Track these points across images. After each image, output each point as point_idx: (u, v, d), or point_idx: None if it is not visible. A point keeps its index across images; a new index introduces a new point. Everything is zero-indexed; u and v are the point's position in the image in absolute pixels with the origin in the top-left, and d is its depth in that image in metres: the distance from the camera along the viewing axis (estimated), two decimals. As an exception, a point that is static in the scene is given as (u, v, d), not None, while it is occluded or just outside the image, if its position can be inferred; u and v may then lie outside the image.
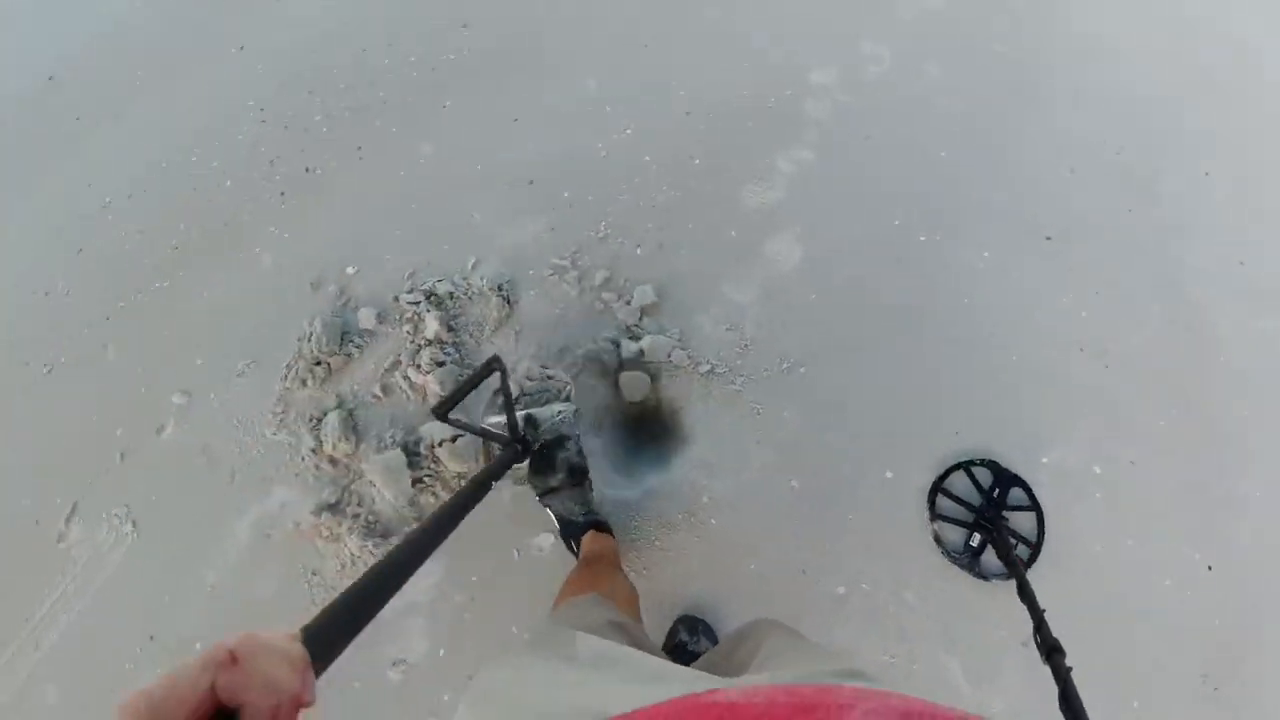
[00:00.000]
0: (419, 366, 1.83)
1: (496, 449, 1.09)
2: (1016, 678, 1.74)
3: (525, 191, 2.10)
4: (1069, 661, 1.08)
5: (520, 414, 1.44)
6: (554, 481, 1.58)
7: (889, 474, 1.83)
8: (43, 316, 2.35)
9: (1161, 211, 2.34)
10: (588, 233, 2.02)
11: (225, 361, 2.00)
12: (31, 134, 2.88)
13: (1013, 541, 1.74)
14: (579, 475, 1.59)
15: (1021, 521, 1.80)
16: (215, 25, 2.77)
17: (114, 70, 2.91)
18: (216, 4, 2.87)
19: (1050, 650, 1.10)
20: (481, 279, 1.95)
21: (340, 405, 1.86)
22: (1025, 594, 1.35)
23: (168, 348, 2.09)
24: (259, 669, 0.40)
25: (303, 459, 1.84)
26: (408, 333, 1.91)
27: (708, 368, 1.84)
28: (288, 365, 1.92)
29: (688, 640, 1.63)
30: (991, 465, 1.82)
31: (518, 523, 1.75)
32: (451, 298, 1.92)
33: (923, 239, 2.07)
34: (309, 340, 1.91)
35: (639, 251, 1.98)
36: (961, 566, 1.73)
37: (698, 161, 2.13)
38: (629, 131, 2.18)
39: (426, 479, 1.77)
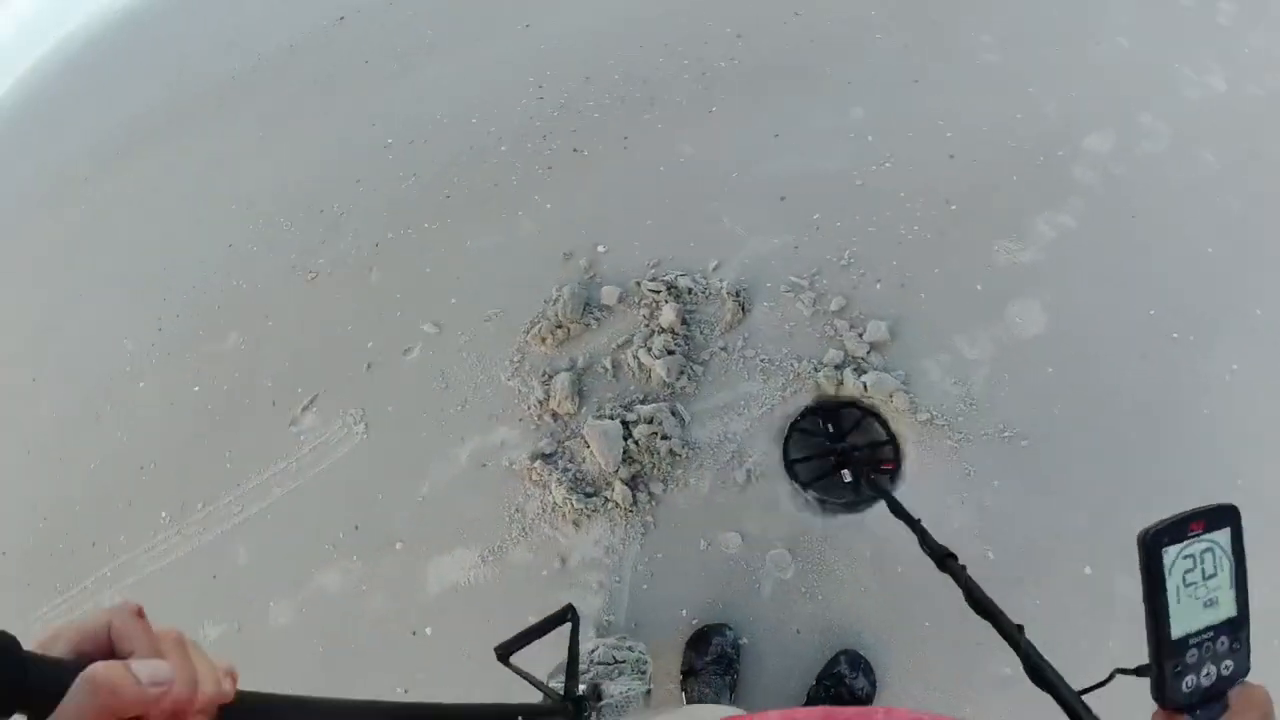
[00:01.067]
0: (649, 350, 1.96)
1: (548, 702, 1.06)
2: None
3: (775, 206, 2.17)
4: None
5: (587, 680, 1.42)
6: (699, 663, 1.63)
7: (1088, 570, 1.76)
8: (315, 231, 2.70)
9: None
10: (830, 257, 2.06)
11: (477, 305, 2.23)
12: (321, 68, 3.29)
13: (868, 453, 1.83)
14: (726, 665, 1.63)
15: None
16: (504, 1, 3.05)
17: (404, 24, 3.27)
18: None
19: (942, 557, 1.09)
20: (720, 281, 2.05)
21: (572, 368, 2.03)
22: (895, 509, 1.33)
23: (427, 282, 2.36)
24: (183, 653, 0.41)
25: (529, 408, 2.03)
26: (643, 316, 2.04)
27: (927, 416, 1.84)
28: (532, 321, 2.12)
29: (847, 674, 1.65)
30: (809, 410, 1.88)
31: (712, 515, 1.84)
32: (689, 293, 2.04)
33: (1175, 336, 1.94)
34: (555, 304, 2.09)
35: (878, 286, 2.00)
36: (858, 507, 1.78)
37: (954, 207, 2.11)
38: (888, 165, 2.20)
39: (634, 454, 1.90)
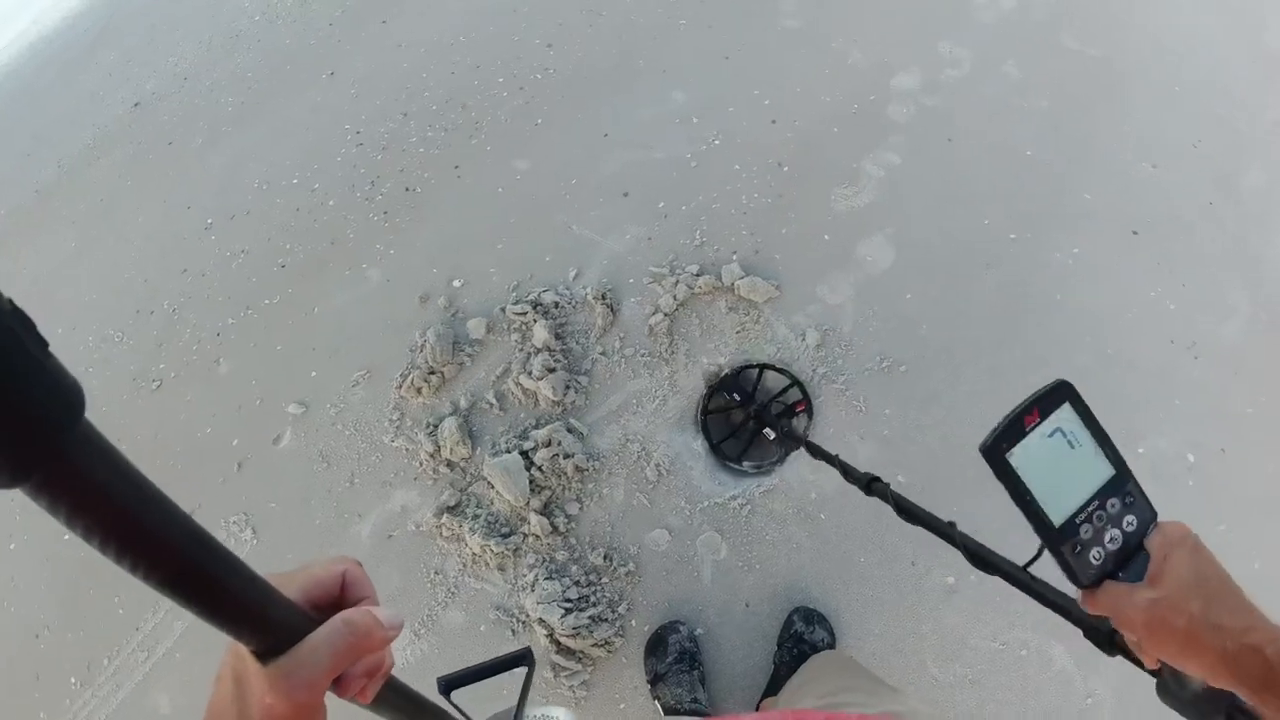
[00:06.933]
0: (530, 373, 1.91)
1: None
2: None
3: (621, 203, 2.17)
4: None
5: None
6: (662, 667, 1.62)
7: (991, 466, 1.87)
8: (149, 335, 2.47)
9: (1241, 203, 2.35)
10: (684, 241, 2.08)
11: (340, 372, 2.09)
12: (125, 158, 3.04)
13: (782, 405, 1.86)
14: (689, 661, 1.63)
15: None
16: (301, 53, 2.90)
17: (201, 97, 3.05)
18: (298, 32, 3.01)
19: (868, 482, 1.12)
20: (584, 288, 2.02)
21: (455, 411, 1.94)
22: (815, 451, 1.38)
23: (281, 361, 2.20)
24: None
25: (421, 464, 1.92)
26: (516, 341, 1.98)
27: (810, 369, 1.89)
28: (402, 375, 2.01)
29: (804, 630, 1.67)
30: (712, 390, 1.90)
31: (634, 519, 1.81)
32: (557, 307, 2.00)
33: (1013, 237, 2.10)
34: (422, 350, 1.99)
35: (735, 257, 2.04)
36: (782, 461, 1.84)
37: (786, 168, 2.19)
38: (717, 141, 2.25)
39: (541, 481, 1.83)
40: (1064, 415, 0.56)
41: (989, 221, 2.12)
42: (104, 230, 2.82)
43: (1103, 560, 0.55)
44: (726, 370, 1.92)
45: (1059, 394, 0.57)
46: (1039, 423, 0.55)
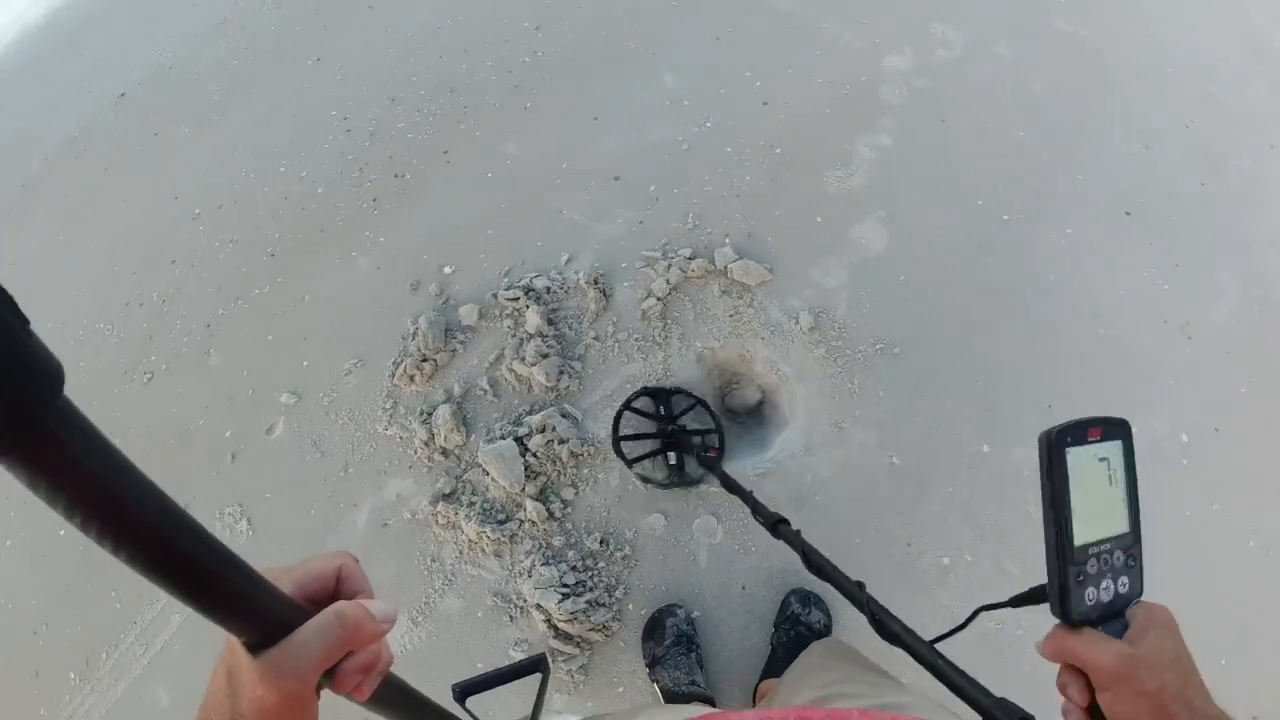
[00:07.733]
0: (523, 359, 1.90)
1: None
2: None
3: (612, 187, 2.16)
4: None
5: None
6: (660, 650, 1.62)
7: (986, 448, 1.87)
8: (139, 327, 2.44)
9: (1231, 184, 2.36)
10: (676, 224, 2.07)
11: (332, 361, 2.07)
12: (110, 149, 3.00)
13: (699, 440, 1.81)
14: (687, 644, 1.62)
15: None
16: (286, 39, 2.86)
17: (186, 86, 3.02)
18: (283, 18, 2.97)
19: (774, 524, 1.09)
20: (576, 273, 2.01)
21: (449, 398, 1.93)
22: (728, 484, 1.36)
23: (272, 351, 2.18)
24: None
25: (415, 451, 1.91)
26: (509, 327, 1.97)
27: (804, 351, 1.89)
28: (394, 362, 2.00)
29: (800, 612, 1.68)
30: (644, 391, 1.86)
31: (628, 507, 1.81)
32: (549, 292, 1.99)
33: (1005, 218, 2.10)
34: (414, 338, 1.98)
35: (728, 240, 2.03)
36: (677, 487, 1.79)
37: (778, 150, 2.18)
38: (708, 124, 2.23)
39: (536, 467, 1.83)
40: (1115, 449, 0.56)
41: (982, 203, 2.12)
42: (90, 222, 2.79)
43: (1094, 605, 0.54)
44: (669, 384, 1.89)
45: (1120, 428, 0.57)
46: (1098, 441, 0.55)
